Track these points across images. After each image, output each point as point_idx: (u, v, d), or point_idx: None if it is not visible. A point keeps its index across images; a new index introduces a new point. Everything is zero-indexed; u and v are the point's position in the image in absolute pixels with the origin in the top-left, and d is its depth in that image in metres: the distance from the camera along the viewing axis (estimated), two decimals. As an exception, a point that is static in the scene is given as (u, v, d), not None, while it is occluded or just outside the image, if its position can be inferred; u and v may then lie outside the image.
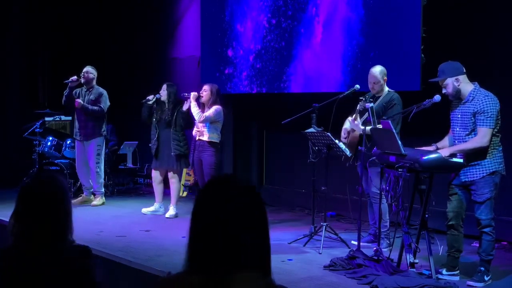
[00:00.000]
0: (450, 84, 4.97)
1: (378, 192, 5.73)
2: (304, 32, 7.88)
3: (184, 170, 8.95)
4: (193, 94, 7.28)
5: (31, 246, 2.47)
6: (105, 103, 8.48)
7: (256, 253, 1.70)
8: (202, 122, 7.11)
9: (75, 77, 8.35)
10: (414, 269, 5.02)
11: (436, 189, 5.12)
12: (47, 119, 9.93)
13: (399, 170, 4.91)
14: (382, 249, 5.43)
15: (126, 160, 10.35)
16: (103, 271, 5.73)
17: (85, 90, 8.50)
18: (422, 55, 6.51)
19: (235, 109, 8.96)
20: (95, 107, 8.37)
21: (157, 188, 7.95)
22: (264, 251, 1.72)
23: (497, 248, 5.68)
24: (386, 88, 6.15)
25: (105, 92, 8.50)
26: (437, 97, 5.07)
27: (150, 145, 7.88)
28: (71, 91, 8.40)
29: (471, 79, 5.04)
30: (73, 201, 8.49)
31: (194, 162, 7.31)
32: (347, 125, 6.27)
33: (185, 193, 9.35)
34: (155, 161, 7.85)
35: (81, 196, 8.71)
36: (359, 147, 5.95)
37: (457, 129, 5.05)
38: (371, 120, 5.46)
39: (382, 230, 5.82)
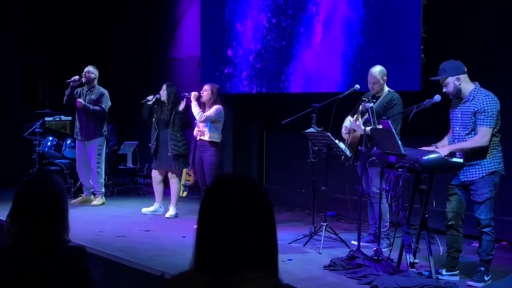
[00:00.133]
0: (451, 83, 4.97)
1: (378, 192, 5.73)
2: (304, 32, 7.88)
3: (184, 170, 8.95)
4: (193, 94, 7.28)
5: (27, 246, 2.47)
6: (106, 103, 8.48)
7: (262, 252, 1.70)
8: (203, 122, 7.11)
9: (77, 76, 8.36)
10: (414, 269, 5.02)
11: (436, 189, 5.12)
12: (47, 119, 9.93)
13: (399, 170, 4.91)
14: (382, 249, 5.43)
15: (126, 160, 10.35)
16: (103, 270, 5.74)
17: (87, 89, 8.50)
18: (422, 55, 6.52)
19: (235, 109, 8.95)
20: (96, 107, 8.38)
21: (157, 188, 7.95)
22: (269, 250, 1.72)
23: (497, 248, 5.68)
24: (386, 88, 6.15)
25: (106, 92, 8.50)
26: (437, 97, 5.07)
27: (149, 145, 7.90)
28: (73, 91, 8.41)
29: (471, 79, 5.04)
30: (73, 201, 8.51)
31: (195, 162, 7.30)
32: (347, 123, 6.27)
33: (185, 193, 9.35)
34: (155, 161, 7.87)
35: (81, 196, 8.71)
36: (359, 147, 5.95)
37: (457, 128, 5.05)
38: (371, 120, 5.46)
39: (382, 230, 5.82)
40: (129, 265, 5.51)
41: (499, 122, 4.93)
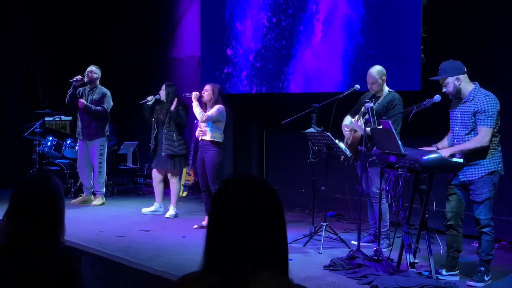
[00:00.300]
0: (450, 83, 4.97)
1: (378, 192, 5.73)
2: (304, 31, 7.87)
3: (184, 170, 8.95)
4: (194, 94, 7.28)
5: (21, 246, 2.47)
6: (109, 103, 8.48)
7: (271, 252, 1.70)
8: (204, 121, 7.10)
9: (79, 76, 8.36)
10: (414, 269, 5.02)
11: (436, 189, 5.12)
12: (47, 119, 9.93)
13: (399, 170, 4.91)
14: (382, 249, 5.43)
15: (126, 160, 10.35)
16: (103, 270, 5.74)
17: (89, 89, 8.50)
18: (422, 55, 6.52)
19: (235, 109, 8.95)
20: (98, 108, 8.38)
21: (157, 187, 7.96)
22: (279, 250, 1.72)
23: (497, 248, 5.69)
24: (387, 88, 6.15)
25: (108, 92, 8.50)
26: (437, 97, 5.07)
27: (149, 144, 7.92)
28: (75, 90, 8.40)
29: (471, 79, 5.04)
30: (73, 201, 8.52)
31: (197, 162, 7.29)
32: (347, 121, 6.27)
33: (185, 193, 9.35)
34: (154, 161, 7.89)
35: (81, 196, 8.71)
36: (359, 147, 5.95)
37: (457, 128, 5.05)
38: (371, 120, 5.46)
39: (382, 230, 5.82)
40: (129, 265, 5.51)
41: (499, 122, 4.93)
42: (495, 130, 4.91)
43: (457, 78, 4.96)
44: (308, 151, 6.45)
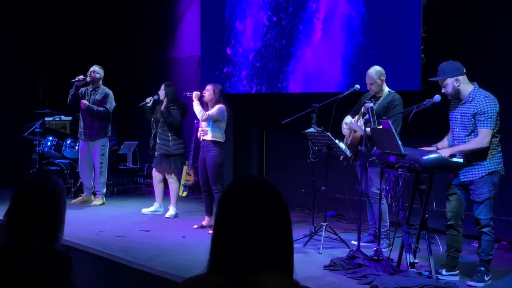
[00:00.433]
0: (450, 84, 4.97)
1: (378, 192, 5.73)
2: (304, 30, 7.87)
3: (184, 170, 8.95)
4: (195, 93, 7.28)
5: (21, 246, 2.47)
6: (111, 103, 8.48)
7: (277, 253, 1.70)
8: (204, 120, 7.10)
9: (82, 76, 8.35)
10: (414, 269, 5.02)
11: (436, 189, 5.12)
12: (47, 119, 9.92)
13: (399, 170, 4.91)
14: (382, 249, 5.43)
15: (126, 160, 10.34)
16: (103, 270, 5.74)
17: (91, 89, 8.50)
18: (422, 55, 6.51)
19: (235, 109, 8.94)
20: (101, 108, 8.37)
21: (157, 187, 7.96)
22: (285, 251, 1.73)
23: (497, 248, 5.69)
24: (387, 89, 6.15)
25: (111, 93, 8.49)
26: (437, 97, 5.07)
27: (149, 143, 7.94)
28: (77, 90, 8.40)
29: (471, 79, 5.03)
30: (73, 201, 8.52)
31: (199, 162, 7.29)
32: (347, 120, 6.27)
33: (185, 193, 9.35)
34: (154, 160, 7.90)
35: (81, 196, 8.71)
36: (359, 147, 5.95)
37: (457, 129, 5.05)
38: (371, 120, 5.46)
39: (382, 230, 5.82)
40: (129, 265, 5.51)
41: (499, 122, 4.93)
42: (495, 130, 4.91)
43: (456, 79, 4.96)
44: (308, 151, 6.44)
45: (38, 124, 9.35)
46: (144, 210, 7.99)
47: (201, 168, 7.19)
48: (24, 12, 10.91)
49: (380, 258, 5.17)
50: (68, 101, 8.53)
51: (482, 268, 4.95)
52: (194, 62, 9.78)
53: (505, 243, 6.24)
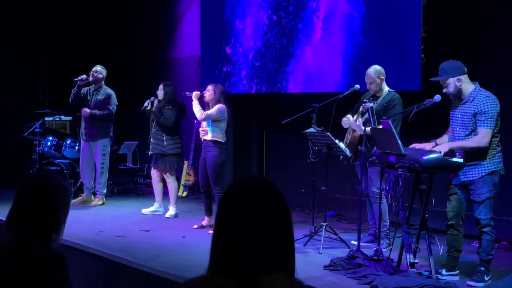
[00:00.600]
0: (451, 83, 4.97)
1: (378, 192, 5.73)
2: (304, 29, 7.86)
3: (184, 170, 8.95)
4: (195, 93, 7.28)
5: (21, 246, 2.47)
6: (114, 104, 8.48)
7: (279, 254, 1.70)
8: (203, 120, 7.10)
9: (84, 76, 8.34)
10: (414, 269, 5.02)
11: (436, 189, 5.12)
12: (47, 119, 9.92)
13: (399, 170, 4.91)
14: (382, 249, 5.43)
15: (126, 160, 10.34)
16: (103, 270, 5.75)
17: (93, 89, 8.49)
18: (422, 55, 6.52)
19: (235, 109, 8.95)
20: (104, 112, 8.35)
21: (156, 187, 7.97)
22: (286, 251, 1.72)
23: (497, 248, 5.69)
24: (386, 88, 6.15)
25: (113, 93, 8.48)
26: (437, 97, 5.07)
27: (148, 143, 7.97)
28: (79, 90, 8.39)
29: (471, 79, 5.03)
30: (73, 201, 8.50)
31: (199, 163, 7.29)
32: (349, 115, 6.26)
33: (185, 193, 9.34)
34: (153, 160, 7.92)
35: (81, 196, 8.71)
36: (359, 147, 5.95)
37: (457, 129, 5.05)
38: (371, 120, 5.46)
39: (382, 230, 5.81)
40: (129, 265, 5.51)
41: (499, 122, 4.93)
42: (495, 130, 4.91)
43: (458, 79, 4.96)
44: (308, 151, 6.44)
45: (38, 124, 9.35)
46: (144, 210, 7.99)
47: (201, 168, 7.19)
48: (24, 12, 10.91)
49: (380, 258, 5.17)
50: (70, 100, 8.52)
51: (482, 268, 4.95)
52: (194, 62, 9.78)
53: (505, 243, 6.24)
